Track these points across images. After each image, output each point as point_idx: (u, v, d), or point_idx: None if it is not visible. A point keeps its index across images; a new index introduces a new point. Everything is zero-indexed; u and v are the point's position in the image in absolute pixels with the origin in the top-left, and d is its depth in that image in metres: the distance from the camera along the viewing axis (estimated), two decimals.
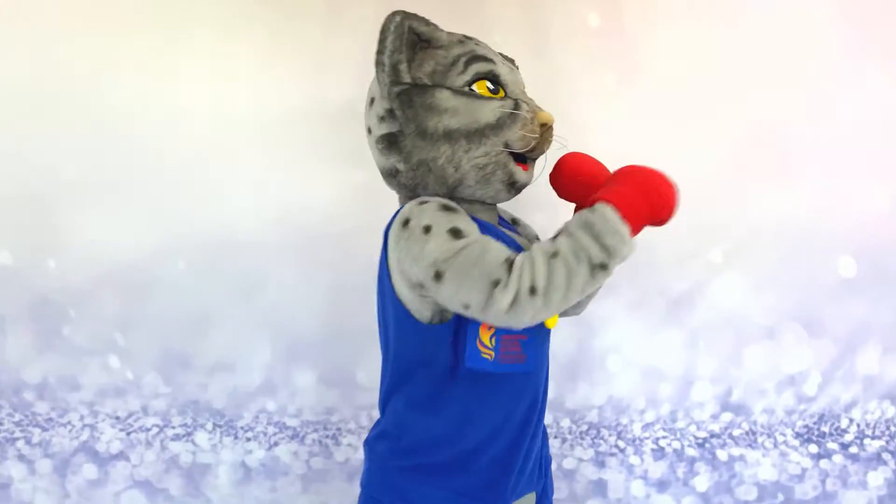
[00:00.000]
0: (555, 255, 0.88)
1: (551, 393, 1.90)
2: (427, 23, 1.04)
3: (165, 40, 1.78)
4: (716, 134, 1.85)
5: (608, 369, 1.95)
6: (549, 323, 1.04)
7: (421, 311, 1.00)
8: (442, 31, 1.07)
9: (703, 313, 1.93)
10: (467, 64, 1.03)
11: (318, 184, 1.83)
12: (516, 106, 1.03)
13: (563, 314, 1.21)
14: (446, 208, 0.96)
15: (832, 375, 1.95)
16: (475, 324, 0.96)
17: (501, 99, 1.04)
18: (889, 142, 1.88)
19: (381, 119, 1.06)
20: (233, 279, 1.87)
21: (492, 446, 1.04)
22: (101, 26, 1.78)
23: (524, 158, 1.08)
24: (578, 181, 1.06)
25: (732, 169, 1.86)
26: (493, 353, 0.99)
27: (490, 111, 1.02)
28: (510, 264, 0.88)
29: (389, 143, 1.05)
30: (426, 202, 0.97)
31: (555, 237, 0.91)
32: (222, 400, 1.94)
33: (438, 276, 0.90)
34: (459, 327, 0.98)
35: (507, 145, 1.03)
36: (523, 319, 0.87)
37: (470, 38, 1.09)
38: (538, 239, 1.26)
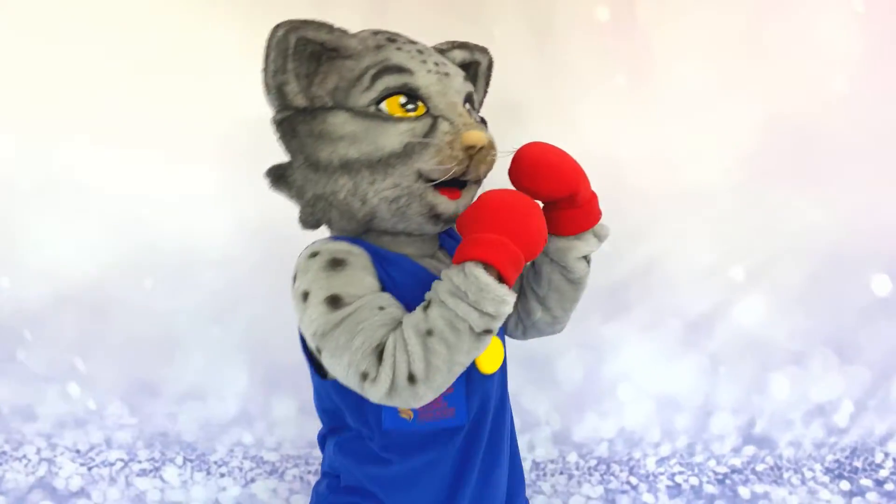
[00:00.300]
0: (430, 333, 0.79)
1: (556, 425, 1.88)
2: (330, 29, 0.89)
3: (131, 50, 1.72)
4: (735, 137, 1.78)
5: (619, 398, 1.92)
6: (486, 368, 0.92)
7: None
8: (354, 36, 0.93)
9: (724, 336, 1.89)
10: (375, 78, 0.89)
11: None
12: (431, 129, 0.88)
13: (538, 332, 1.10)
14: (332, 265, 0.88)
15: (865, 405, 1.91)
16: None
17: (415, 119, 0.89)
18: None
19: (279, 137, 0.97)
20: (203, 298, 1.81)
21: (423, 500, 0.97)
22: (58, 38, 1.72)
23: (461, 183, 0.92)
24: (539, 180, 0.91)
25: (754, 176, 1.79)
26: (411, 413, 0.92)
27: (395, 137, 0.88)
28: (380, 353, 0.80)
29: (276, 177, 0.94)
30: (314, 256, 0.89)
31: (426, 306, 0.82)
32: (193, 432, 1.91)
33: (319, 350, 0.85)
34: None
35: (420, 175, 0.88)
36: (409, 405, 0.81)
37: (394, 40, 0.94)
38: None
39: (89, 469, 1.84)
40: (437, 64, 0.92)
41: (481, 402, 0.95)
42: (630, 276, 1.82)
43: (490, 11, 1.70)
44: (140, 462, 1.83)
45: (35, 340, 1.84)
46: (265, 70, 0.88)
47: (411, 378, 0.78)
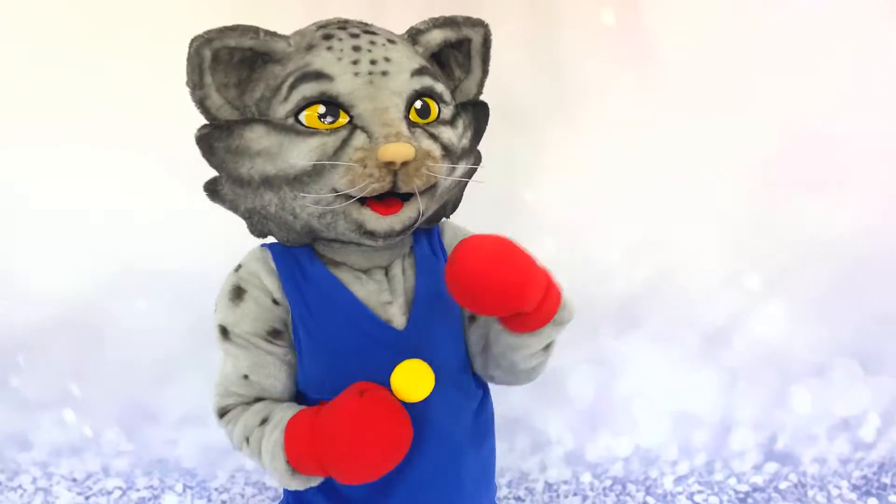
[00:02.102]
0: (247, 440, 0.92)
1: (568, 443, 1.88)
2: (255, 33, 0.84)
3: (121, 55, 1.70)
4: (749, 139, 1.77)
5: (633, 415, 1.92)
6: (409, 391, 0.84)
7: None
8: (290, 36, 0.88)
9: (742, 349, 1.89)
10: (292, 87, 0.83)
11: None
12: (340, 147, 0.82)
13: (513, 381, 1.02)
14: (234, 294, 0.96)
15: (893, 418, 1.89)
16: None
17: (328, 133, 0.83)
18: None
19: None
20: (201, 319, 1.73)
21: None
22: (53, 48, 1.73)
23: (397, 195, 0.86)
24: (477, 305, 0.83)
25: (769, 179, 1.80)
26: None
27: (305, 154, 0.82)
28: (224, 413, 0.96)
29: (211, 192, 0.95)
30: (236, 270, 0.98)
31: (264, 419, 0.92)
32: (193, 458, 1.91)
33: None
34: None
35: (338, 192, 0.83)
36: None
37: (331, 36, 0.88)
38: None
39: (87, 498, 1.82)
40: (373, 62, 0.85)
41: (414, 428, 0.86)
42: (642, 287, 1.81)
43: (493, 12, 1.70)
44: (139, 490, 1.82)
45: (28, 366, 1.85)
46: (187, 81, 0.86)
47: (230, 438, 0.95)
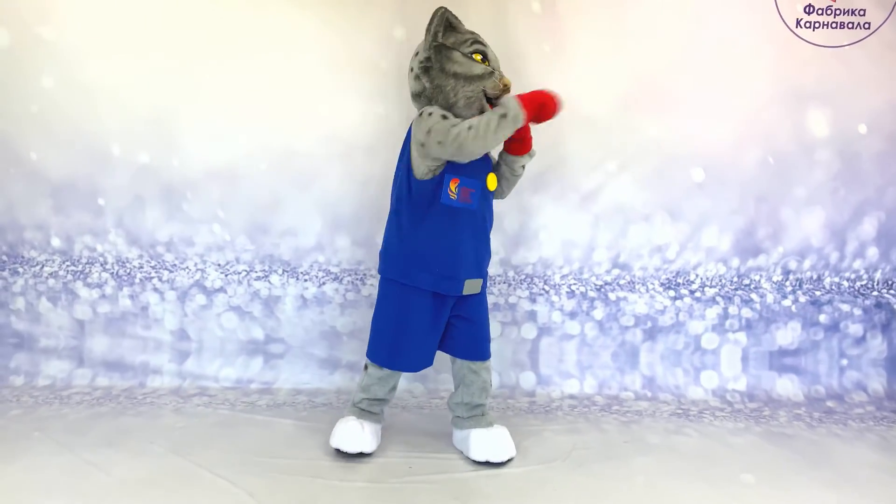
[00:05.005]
0: (483, 125, 1.84)
1: (502, 253, 2.69)
2: (455, 17, 1.96)
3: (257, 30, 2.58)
4: (612, 82, 2.67)
5: (539, 239, 2.75)
6: (490, 185, 2.02)
7: (420, 167, 1.91)
8: (462, 24, 1.96)
9: (603, 203, 2.72)
10: (472, 43, 1.95)
11: (352, 112, 2.64)
12: (492, 72, 1.94)
13: (499, 196, 2.12)
14: (443, 115, 1.88)
15: (685, 246, 2.79)
16: (448, 177, 1.91)
17: (485, 66, 1.94)
18: (729, 92, 2.70)
19: (421, 62, 1.97)
20: (296, 175, 2.65)
21: (450, 250, 1.97)
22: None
23: (490, 100, 1.97)
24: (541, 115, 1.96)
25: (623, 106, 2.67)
26: (456, 196, 1.94)
27: (478, 69, 1.93)
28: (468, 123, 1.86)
29: (424, 69, 1.94)
30: (431, 111, 1.90)
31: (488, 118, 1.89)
32: (289, 254, 2.71)
33: (422, 144, 1.86)
34: (440, 180, 1.92)
35: (483, 90, 1.94)
36: (464, 149, 1.84)
37: (475, 34, 1.98)
38: None
39: (226, 276, 2.72)
40: (488, 48, 1.98)
41: (486, 201, 2.02)
42: (547, 167, 2.63)
43: (465, 6, 2.44)
44: (256, 272, 2.72)
45: (193, 198, 2.64)
46: (430, 24, 1.93)
47: (469, 128, 1.83)
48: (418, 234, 1.96)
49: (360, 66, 2.62)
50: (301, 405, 2.54)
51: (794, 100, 2.71)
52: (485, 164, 2.02)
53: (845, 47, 2.69)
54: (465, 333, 2.07)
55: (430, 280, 1.95)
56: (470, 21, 2.12)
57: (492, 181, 2.03)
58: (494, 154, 2.15)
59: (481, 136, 1.77)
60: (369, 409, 2.08)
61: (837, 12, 2.67)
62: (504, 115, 1.79)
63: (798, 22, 2.68)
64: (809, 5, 2.67)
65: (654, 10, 2.64)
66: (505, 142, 2.00)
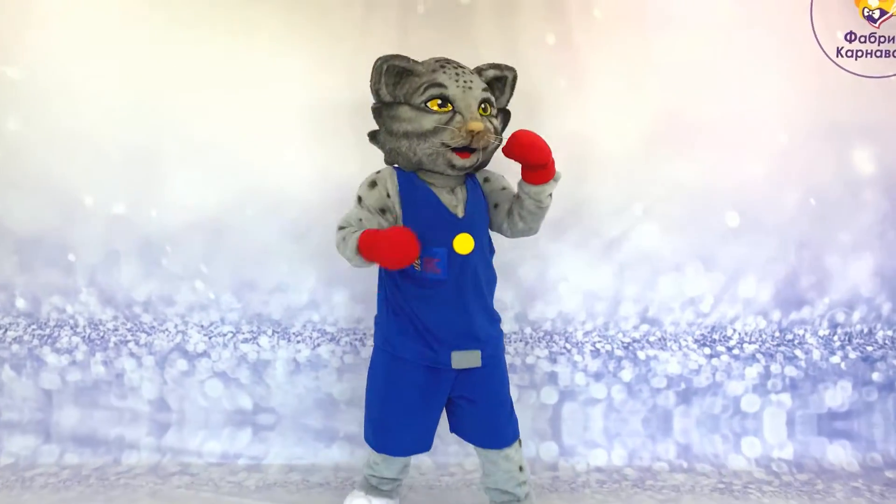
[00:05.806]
0: (343, 239, 1.67)
1: (517, 307, 2.46)
2: (406, 60, 1.66)
3: (231, 54, 2.37)
4: (634, 118, 2.44)
5: (559, 292, 2.49)
6: (459, 250, 1.69)
7: None
8: (419, 63, 1.67)
9: (628, 251, 2.47)
10: (425, 89, 1.64)
11: (349, 156, 2.37)
12: (450, 120, 1.62)
13: (521, 235, 1.83)
14: (371, 184, 1.72)
15: (721, 297, 2.52)
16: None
17: (442, 113, 1.63)
18: (764, 127, 2.49)
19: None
20: (287, 224, 2.43)
21: (427, 319, 1.72)
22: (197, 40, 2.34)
23: (470, 148, 1.66)
24: (527, 156, 1.65)
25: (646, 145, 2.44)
26: (419, 267, 1.68)
27: (429, 122, 1.64)
28: (341, 228, 1.71)
29: (371, 137, 1.76)
30: (374, 174, 1.76)
31: (353, 232, 1.66)
32: (279, 312, 2.48)
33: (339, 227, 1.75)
34: None
35: (444, 144, 1.64)
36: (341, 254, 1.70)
37: (444, 66, 1.66)
38: (504, 189, 1.86)
39: (209, 338, 2.48)
40: (465, 82, 1.65)
41: (460, 267, 1.69)
42: (566, 211, 2.36)
43: (476, 40, 2.35)
44: (243, 333, 2.48)
45: (173, 251, 2.40)
46: (370, 81, 1.67)
47: (337, 245, 1.68)
48: (397, 299, 1.74)
49: (357, 105, 2.33)
50: (294, 485, 2.31)
51: (836, 135, 2.48)
52: (450, 226, 1.71)
53: (891, 77, 2.48)
54: (471, 416, 1.81)
55: (415, 350, 1.71)
56: (479, 56, 1.90)
57: (462, 245, 1.68)
58: (514, 185, 1.86)
59: (340, 251, 1.70)
60: (379, 486, 1.87)
61: (882, 40, 2.45)
62: (344, 239, 1.67)
63: (839, 51, 2.46)
64: (851, 32, 2.44)
65: (679, 40, 2.43)
66: (523, 170, 1.71)
